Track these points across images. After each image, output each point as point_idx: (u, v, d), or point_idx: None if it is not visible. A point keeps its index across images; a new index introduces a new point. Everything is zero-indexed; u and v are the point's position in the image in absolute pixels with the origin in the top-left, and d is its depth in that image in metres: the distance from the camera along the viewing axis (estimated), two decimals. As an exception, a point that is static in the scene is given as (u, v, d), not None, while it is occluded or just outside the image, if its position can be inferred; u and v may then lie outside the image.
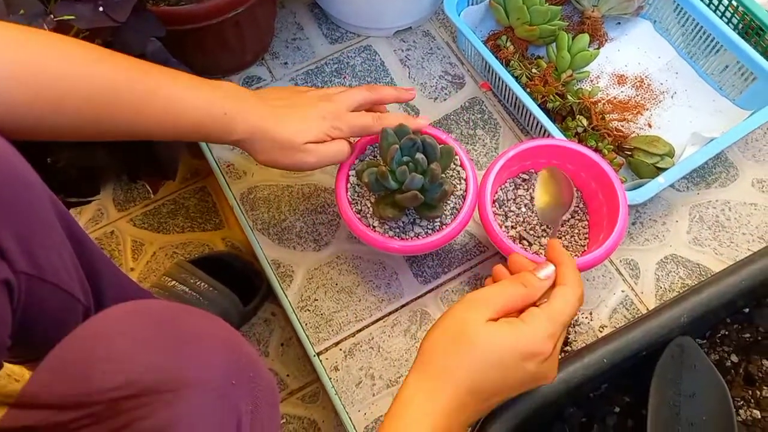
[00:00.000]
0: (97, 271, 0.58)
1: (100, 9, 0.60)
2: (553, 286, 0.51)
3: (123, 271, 0.91)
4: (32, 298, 0.48)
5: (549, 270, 0.51)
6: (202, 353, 0.38)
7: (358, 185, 0.69)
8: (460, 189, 0.69)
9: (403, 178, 0.62)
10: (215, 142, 0.59)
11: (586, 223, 0.73)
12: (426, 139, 0.63)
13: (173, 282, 0.81)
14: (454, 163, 0.70)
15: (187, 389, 0.36)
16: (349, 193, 0.68)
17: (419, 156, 0.62)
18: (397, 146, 0.63)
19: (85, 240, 0.56)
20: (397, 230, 0.67)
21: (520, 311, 0.49)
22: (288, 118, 0.61)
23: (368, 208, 0.68)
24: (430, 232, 0.67)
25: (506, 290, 0.49)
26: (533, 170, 0.75)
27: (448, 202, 0.68)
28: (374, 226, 0.67)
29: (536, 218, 0.72)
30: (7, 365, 0.87)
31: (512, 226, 0.72)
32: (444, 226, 0.67)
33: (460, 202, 0.68)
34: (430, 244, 0.66)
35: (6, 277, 0.44)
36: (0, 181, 0.44)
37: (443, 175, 0.65)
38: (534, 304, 0.50)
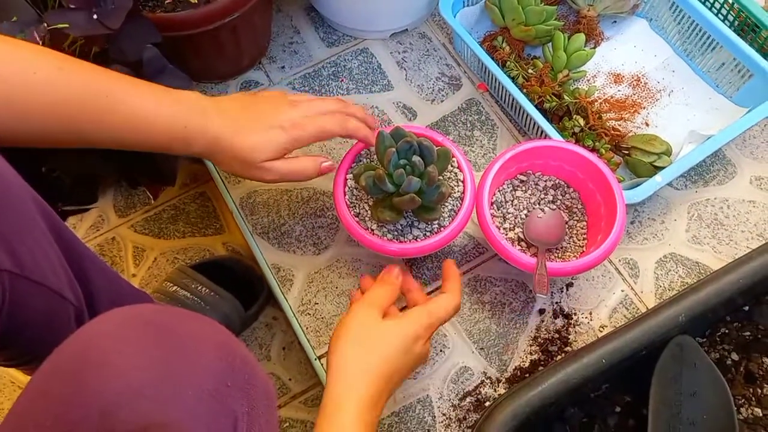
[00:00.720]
0: (88, 272, 0.57)
1: (94, 17, 0.60)
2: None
3: (124, 276, 0.91)
4: (18, 297, 0.48)
5: (396, 270, 0.64)
6: (195, 356, 0.38)
7: (355, 188, 0.69)
8: (458, 191, 0.69)
9: (401, 181, 0.62)
10: (177, 153, 0.60)
11: (585, 223, 0.73)
12: (423, 141, 0.63)
13: (175, 287, 0.81)
14: (452, 165, 0.70)
15: (181, 391, 0.36)
16: (347, 197, 0.68)
17: (416, 159, 0.62)
18: (394, 149, 0.63)
19: (74, 242, 0.56)
20: (396, 233, 0.68)
21: (394, 305, 0.62)
22: (246, 132, 0.61)
23: (366, 211, 0.68)
24: (428, 234, 0.67)
25: (380, 291, 0.61)
26: (531, 171, 0.75)
27: (446, 204, 0.68)
28: (373, 229, 0.67)
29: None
30: (10, 372, 0.88)
31: (510, 228, 0.72)
32: (442, 228, 0.67)
33: (458, 204, 0.68)
34: (428, 246, 0.66)
35: None
36: None
37: (440, 178, 0.65)
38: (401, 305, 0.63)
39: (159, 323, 0.39)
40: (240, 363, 0.41)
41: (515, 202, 0.74)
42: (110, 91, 0.54)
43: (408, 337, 0.57)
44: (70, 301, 0.54)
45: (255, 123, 0.61)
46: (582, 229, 0.73)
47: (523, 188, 0.75)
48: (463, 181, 0.69)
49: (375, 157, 0.69)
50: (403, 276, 0.64)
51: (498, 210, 0.73)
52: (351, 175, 0.69)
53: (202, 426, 0.36)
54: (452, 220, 0.67)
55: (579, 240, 0.72)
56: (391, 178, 0.63)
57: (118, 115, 0.54)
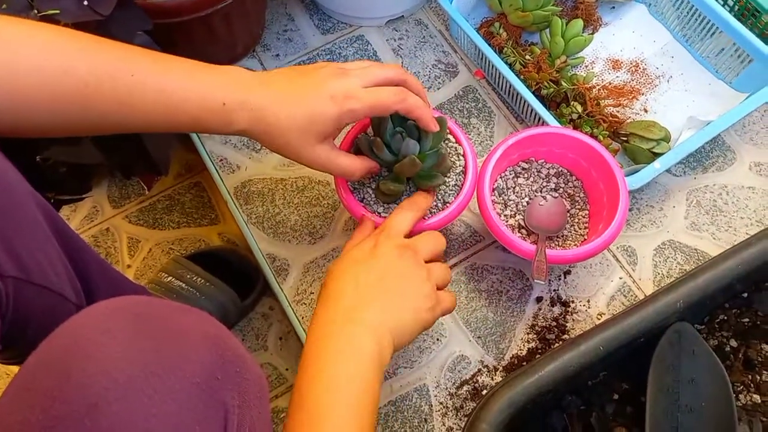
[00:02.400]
0: (88, 268, 0.57)
1: (85, 2, 0.59)
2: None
3: (119, 268, 0.91)
4: (20, 301, 0.47)
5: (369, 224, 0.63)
6: (184, 348, 0.37)
7: None
8: (459, 165, 0.68)
9: (398, 145, 0.61)
10: (216, 133, 0.55)
11: (587, 212, 0.72)
12: None
13: (170, 278, 0.80)
14: (450, 140, 0.69)
15: (170, 384, 0.35)
16: (349, 182, 0.67)
17: (410, 122, 0.61)
18: (388, 117, 0.61)
19: (73, 238, 0.55)
20: None
21: None
22: (292, 104, 0.55)
23: (371, 195, 0.67)
24: (435, 211, 0.66)
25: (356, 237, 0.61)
26: (533, 159, 0.74)
27: (449, 178, 0.67)
28: (379, 212, 0.66)
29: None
30: (7, 367, 0.87)
31: (511, 215, 0.72)
32: (448, 204, 0.66)
33: (461, 179, 0.67)
34: (438, 222, 0.64)
35: None
36: None
37: (441, 145, 0.64)
38: None
39: (147, 315, 0.38)
40: (230, 355, 0.40)
41: (517, 189, 0.73)
42: (132, 72, 0.50)
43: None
44: (71, 300, 0.54)
45: (303, 94, 0.55)
46: (584, 218, 0.72)
47: (525, 175, 0.74)
48: (463, 155, 0.68)
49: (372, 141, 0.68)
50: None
51: (499, 196, 0.73)
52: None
53: (191, 419, 0.36)
54: (457, 195, 0.66)
55: (580, 228, 0.71)
56: (389, 148, 0.62)
57: (144, 98, 0.50)
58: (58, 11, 0.58)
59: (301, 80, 0.56)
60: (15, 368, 0.87)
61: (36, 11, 0.58)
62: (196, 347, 0.38)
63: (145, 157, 0.77)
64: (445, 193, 0.67)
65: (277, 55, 0.90)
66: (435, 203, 0.67)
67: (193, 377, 0.36)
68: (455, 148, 0.69)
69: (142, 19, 0.66)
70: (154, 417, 0.34)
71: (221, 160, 0.83)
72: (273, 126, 0.55)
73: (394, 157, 0.62)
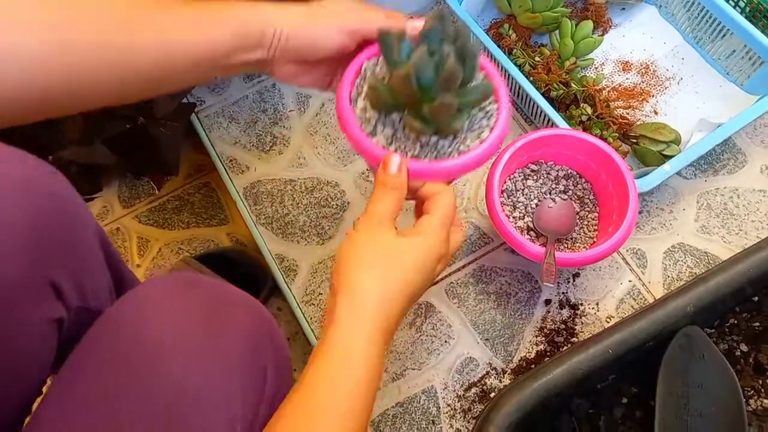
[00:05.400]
0: (123, 280, 0.59)
1: None
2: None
3: (129, 267, 0.91)
4: (77, 326, 0.49)
5: (395, 160, 0.50)
6: (234, 312, 0.44)
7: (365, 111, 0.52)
8: (488, 124, 0.53)
9: (424, 66, 0.48)
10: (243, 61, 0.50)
11: (596, 215, 0.72)
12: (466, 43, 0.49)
13: (178, 278, 0.81)
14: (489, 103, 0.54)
15: (225, 340, 0.42)
16: (359, 120, 0.52)
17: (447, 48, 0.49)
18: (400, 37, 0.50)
19: (119, 263, 0.58)
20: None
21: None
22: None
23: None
24: (470, 145, 0.52)
25: (386, 200, 0.50)
26: (543, 161, 0.74)
27: (473, 129, 0.52)
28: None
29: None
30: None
31: (520, 217, 0.72)
32: (483, 140, 0.51)
33: (487, 132, 0.52)
34: (467, 163, 0.51)
35: (60, 316, 0.46)
36: (59, 223, 0.45)
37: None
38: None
39: (199, 284, 0.45)
40: (268, 323, 0.46)
41: (526, 191, 0.73)
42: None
43: (431, 256, 0.48)
44: None
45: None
46: (593, 220, 0.72)
47: (535, 177, 0.74)
48: (497, 109, 0.53)
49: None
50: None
51: (508, 198, 0.73)
52: (358, 100, 0.53)
53: (247, 373, 0.42)
54: (490, 131, 0.52)
55: (590, 231, 0.71)
56: (411, 78, 0.48)
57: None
58: None
59: None
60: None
61: None
62: (244, 313, 0.45)
63: (155, 157, 0.77)
64: (467, 138, 0.52)
65: (287, 56, 0.91)
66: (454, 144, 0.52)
67: (242, 336, 0.43)
68: (487, 111, 0.53)
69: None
70: (215, 368, 0.40)
71: (231, 160, 0.84)
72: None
73: (421, 87, 0.48)
